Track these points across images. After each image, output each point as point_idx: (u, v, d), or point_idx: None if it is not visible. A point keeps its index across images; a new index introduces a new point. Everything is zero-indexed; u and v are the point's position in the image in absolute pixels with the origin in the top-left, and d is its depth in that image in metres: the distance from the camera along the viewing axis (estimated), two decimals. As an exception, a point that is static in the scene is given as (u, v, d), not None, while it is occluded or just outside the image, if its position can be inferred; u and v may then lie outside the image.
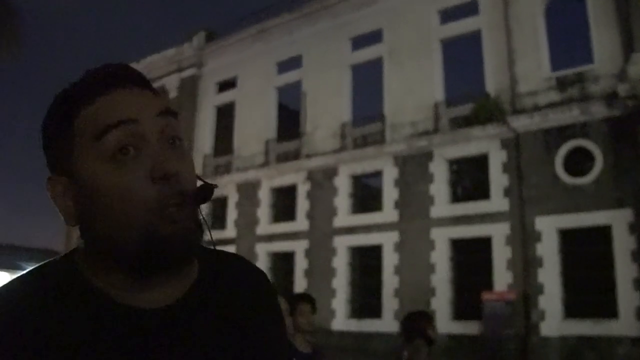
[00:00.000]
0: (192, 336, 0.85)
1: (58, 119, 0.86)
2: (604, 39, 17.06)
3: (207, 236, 0.91)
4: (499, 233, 17.78)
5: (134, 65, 22.71)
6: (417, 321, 4.29)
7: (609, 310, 15.42)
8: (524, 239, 17.16)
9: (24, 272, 0.86)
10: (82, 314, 0.80)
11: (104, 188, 0.81)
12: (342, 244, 21.29)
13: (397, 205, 20.29)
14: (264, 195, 24.19)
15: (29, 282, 0.84)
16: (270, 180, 24.20)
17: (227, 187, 24.80)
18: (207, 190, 0.84)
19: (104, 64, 0.89)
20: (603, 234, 15.91)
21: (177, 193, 0.81)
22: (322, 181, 22.43)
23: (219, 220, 24.86)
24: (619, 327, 15.15)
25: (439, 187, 19.41)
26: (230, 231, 24.70)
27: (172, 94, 28.71)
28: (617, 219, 15.72)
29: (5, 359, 0.74)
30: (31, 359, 0.75)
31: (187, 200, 0.82)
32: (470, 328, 17.58)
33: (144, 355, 0.80)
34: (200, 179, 0.89)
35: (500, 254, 17.65)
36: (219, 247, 1.00)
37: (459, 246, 18.88)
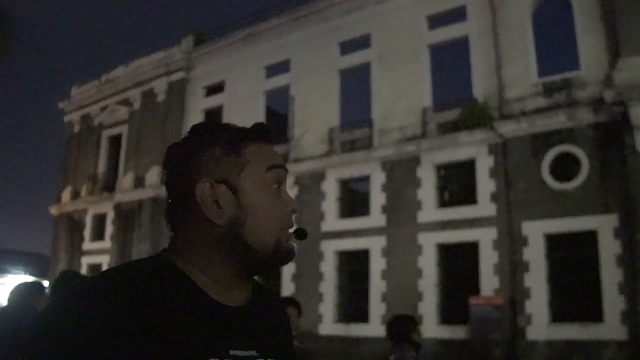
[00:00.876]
0: (257, 326, 1.13)
1: (232, 142, 1.14)
2: (590, 45, 17.22)
3: None
4: (486, 238, 17.86)
5: (122, 68, 22.64)
6: (401, 325, 4.31)
7: (595, 315, 15.53)
8: (511, 244, 17.25)
9: (122, 265, 1.07)
10: (183, 302, 1.02)
11: (264, 207, 1.12)
12: (330, 249, 21.30)
13: (385, 210, 20.33)
14: (252, 200, 24.12)
15: (132, 275, 1.03)
16: (258, 185, 24.13)
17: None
18: (305, 232, 1.20)
19: (260, 122, 1.23)
20: (589, 238, 16.03)
21: (292, 225, 1.17)
22: (310, 185, 22.45)
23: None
24: (605, 331, 15.25)
25: (427, 192, 19.48)
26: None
27: (161, 97, 28.64)
28: (602, 224, 15.83)
29: (119, 339, 0.92)
30: (145, 338, 0.94)
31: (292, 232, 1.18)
32: (457, 332, 17.64)
33: (229, 337, 1.05)
34: None
35: (487, 259, 17.72)
36: None
37: (446, 251, 18.95)
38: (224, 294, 1.09)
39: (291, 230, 1.17)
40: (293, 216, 1.18)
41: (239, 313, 1.09)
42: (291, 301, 4.54)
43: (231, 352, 1.03)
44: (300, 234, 1.19)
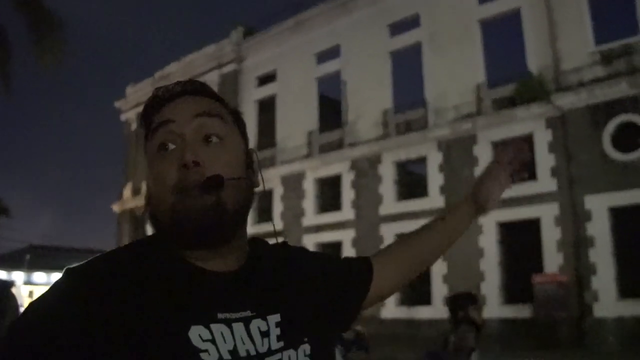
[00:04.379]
0: (254, 287, 1.06)
1: (143, 116, 1.09)
2: (649, 10, 16.61)
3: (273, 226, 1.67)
4: (547, 214, 17.52)
5: (175, 64, 22.94)
6: (459, 302, 4.26)
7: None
8: (574, 219, 16.88)
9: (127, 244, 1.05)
10: (164, 272, 0.98)
11: (151, 174, 1.03)
12: (389, 232, 21.23)
13: (443, 190, 20.16)
14: (309, 187, 24.28)
15: (127, 248, 1.03)
16: (314, 171, 24.27)
17: (272, 180, 24.94)
18: (216, 178, 0.99)
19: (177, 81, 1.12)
20: (656, 210, 15.55)
21: (195, 180, 0.98)
22: (366, 170, 22.41)
23: (265, 213, 25.03)
24: (677, 304, 14.80)
25: (485, 170, 19.18)
26: (276, 224, 24.84)
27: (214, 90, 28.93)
28: (670, 195, 15.33)
29: (110, 299, 0.90)
30: (126, 306, 0.91)
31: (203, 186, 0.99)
32: (521, 311, 17.40)
33: (217, 302, 0.99)
34: (236, 173, 1.05)
35: (550, 235, 17.39)
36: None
37: (507, 229, 18.67)
38: (209, 261, 1.02)
39: (194, 185, 0.97)
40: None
41: (228, 277, 1.03)
42: None
43: (219, 316, 0.97)
44: (208, 184, 0.98)
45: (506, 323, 17.44)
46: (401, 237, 1.45)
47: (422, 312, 19.69)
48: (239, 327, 0.98)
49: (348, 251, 22.25)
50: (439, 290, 19.40)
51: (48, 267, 42.97)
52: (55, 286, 0.93)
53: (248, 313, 1.01)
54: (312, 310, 1.12)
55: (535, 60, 18.86)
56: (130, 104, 35.00)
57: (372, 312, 18.83)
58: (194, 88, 1.10)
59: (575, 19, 17.82)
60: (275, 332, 1.02)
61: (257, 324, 1.01)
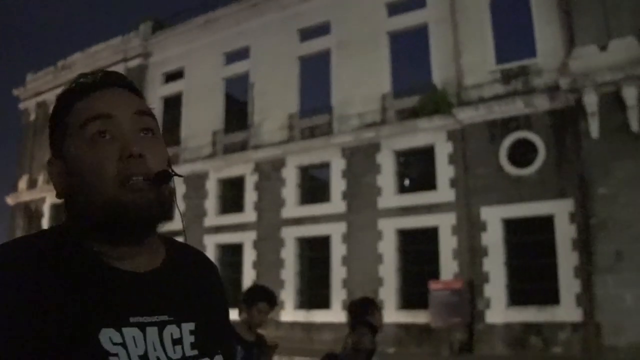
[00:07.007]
0: (165, 294, 1.02)
1: (57, 113, 1.05)
2: (546, 34, 17.48)
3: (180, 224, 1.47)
4: (445, 223, 18.05)
5: (78, 54, 22.15)
6: (359, 308, 4.35)
7: (551, 297, 15.86)
8: (470, 229, 17.48)
9: (25, 235, 1.00)
10: (83, 268, 0.95)
11: (82, 164, 0.98)
12: (290, 235, 21.30)
13: (345, 196, 20.40)
14: (212, 187, 24.00)
15: (38, 239, 0.98)
16: (218, 172, 24.02)
17: (174, 179, 24.43)
18: (165, 173, 1.00)
19: (98, 69, 1.10)
20: (546, 223, 16.34)
21: (139, 171, 0.97)
22: (270, 172, 22.39)
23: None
24: (561, 313, 15.61)
25: (386, 178, 19.59)
26: (177, 223, 24.35)
27: (117, 84, 28.16)
28: (559, 209, 16.15)
29: (12, 300, 0.86)
30: (35, 304, 0.87)
31: (148, 178, 0.98)
32: (418, 317, 17.83)
33: (130, 304, 0.96)
34: (169, 168, 1.05)
35: (447, 244, 17.94)
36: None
37: (406, 236, 19.10)
38: (124, 260, 0.99)
39: (137, 176, 0.97)
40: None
41: (145, 278, 1.00)
42: (268, 297, 4.59)
43: (132, 320, 0.94)
44: (161, 176, 1.00)
45: (403, 328, 17.83)
46: None
47: (321, 316, 19.83)
48: (152, 331, 0.96)
49: (249, 253, 22.15)
50: (338, 294, 19.60)
51: None
52: None
53: (165, 317, 0.99)
54: (222, 323, 1.14)
55: (440, 74, 19.44)
56: (30, 92, 33.47)
57: (270, 315, 18.77)
58: (123, 82, 1.09)
59: (478, 37, 18.50)
60: (189, 339, 1.01)
61: (170, 330, 0.99)
